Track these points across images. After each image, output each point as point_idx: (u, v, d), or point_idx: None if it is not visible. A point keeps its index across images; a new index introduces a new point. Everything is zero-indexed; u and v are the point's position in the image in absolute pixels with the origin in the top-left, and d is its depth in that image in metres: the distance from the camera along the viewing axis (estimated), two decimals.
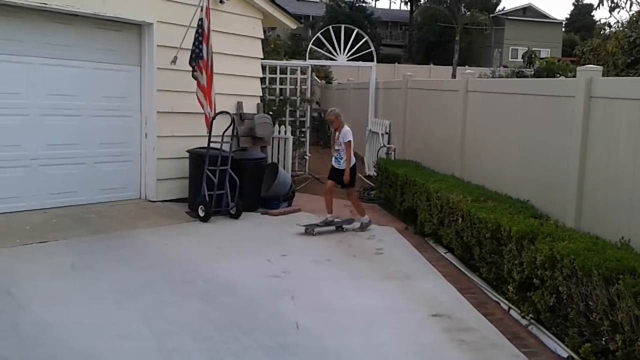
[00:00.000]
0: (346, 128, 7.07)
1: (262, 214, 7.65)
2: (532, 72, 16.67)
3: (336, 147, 7.12)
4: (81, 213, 6.86)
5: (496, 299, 4.87)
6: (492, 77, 14.63)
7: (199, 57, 7.10)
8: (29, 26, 6.57)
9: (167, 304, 4.46)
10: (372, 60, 11.37)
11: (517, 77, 14.96)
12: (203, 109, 7.26)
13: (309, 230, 6.76)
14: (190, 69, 7.20)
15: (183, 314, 4.29)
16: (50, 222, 6.46)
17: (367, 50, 11.14)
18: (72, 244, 5.83)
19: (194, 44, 7.15)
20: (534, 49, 32.13)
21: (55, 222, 6.47)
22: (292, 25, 9.68)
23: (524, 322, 4.40)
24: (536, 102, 5.66)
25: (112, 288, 4.72)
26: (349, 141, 6.96)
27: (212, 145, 7.24)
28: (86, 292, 4.63)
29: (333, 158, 7.19)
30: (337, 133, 7.13)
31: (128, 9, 7.16)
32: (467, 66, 28.75)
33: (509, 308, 4.65)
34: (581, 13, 52.86)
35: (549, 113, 5.40)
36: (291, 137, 9.96)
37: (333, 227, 6.99)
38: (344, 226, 7.05)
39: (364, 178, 10.76)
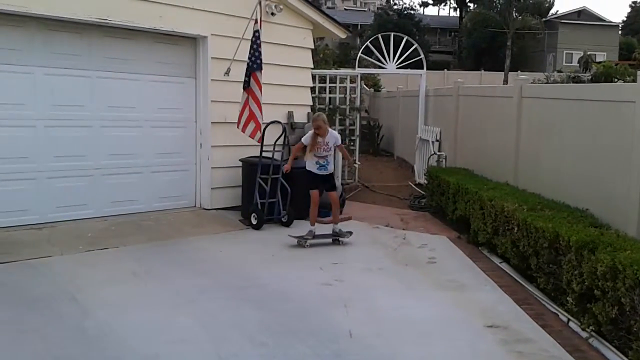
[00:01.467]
0: (334, 131, 6.86)
1: None
2: (589, 77, 16.17)
3: (323, 154, 6.62)
4: (139, 221, 7.11)
5: (554, 311, 4.74)
6: (547, 83, 14.28)
7: (260, 67, 7.24)
8: (90, 41, 6.87)
9: (223, 309, 4.56)
10: (422, 68, 11.31)
11: (573, 82, 14.53)
12: (240, 119, 7.37)
13: (301, 242, 6.47)
14: (244, 79, 7.34)
15: (239, 319, 4.37)
16: (110, 229, 6.72)
17: (417, 58, 11.09)
18: (132, 250, 6.05)
19: (253, 54, 7.27)
20: (589, 53, 31.22)
21: (115, 229, 6.73)
22: (342, 34, 9.75)
23: (584, 334, 4.26)
24: (594, 107, 5.51)
25: (171, 293, 4.87)
26: (341, 144, 6.88)
27: (264, 154, 7.37)
28: (146, 297, 4.79)
29: (317, 165, 6.64)
30: (321, 139, 6.59)
31: (184, 23, 7.40)
32: (519, 72, 28.20)
33: (568, 320, 4.52)
34: (639, 15, 50.95)
35: (608, 119, 5.24)
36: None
37: (329, 240, 6.68)
38: (340, 239, 6.71)
39: (414, 186, 10.69)
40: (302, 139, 6.76)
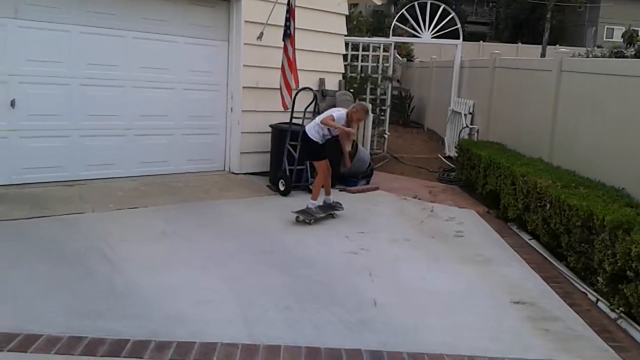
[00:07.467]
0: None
1: (340, 190, 7.67)
2: (633, 52, 15.56)
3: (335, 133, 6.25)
4: (169, 182, 7.18)
5: (584, 290, 4.66)
6: (587, 57, 13.81)
7: (287, 35, 7.15)
8: (125, 1, 6.85)
9: (249, 273, 4.60)
10: (457, 38, 11.04)
11: (616, 57, 14.01)
12: (286, 85, 7.29)
13: (307, 219, 6.08)
14: (280, 45, 7.26)
15: (265, 283, 4.41)
16: (139, 189, 6.81)
17: (453, 28, 10.81)
18: (160, 210, 6.12)
19: (285, 23, 7.18)
20: (633, 28, 29.98)
21: (145, 189, 6.81)
22: (377, 1, 9.55)
23: (613, 315, 4.19)
24: (637, 83, 5.29)
25: (198, 254, 4.93)
26: None
27: (294, 120, 7.33)
28: (174, 257, 4.85)
29: (322, 138, 6.25)
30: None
31: None
32: (557, 45, 27.29)
33: (597, 300, 4.44)
34: None
35: None
36: (371, 115, 9.90)
37: (328, 213, 6.38)
38: (334, 212, 6.43)
39: (443, 159, 10.55)
40: (337, 118, 6.04)
